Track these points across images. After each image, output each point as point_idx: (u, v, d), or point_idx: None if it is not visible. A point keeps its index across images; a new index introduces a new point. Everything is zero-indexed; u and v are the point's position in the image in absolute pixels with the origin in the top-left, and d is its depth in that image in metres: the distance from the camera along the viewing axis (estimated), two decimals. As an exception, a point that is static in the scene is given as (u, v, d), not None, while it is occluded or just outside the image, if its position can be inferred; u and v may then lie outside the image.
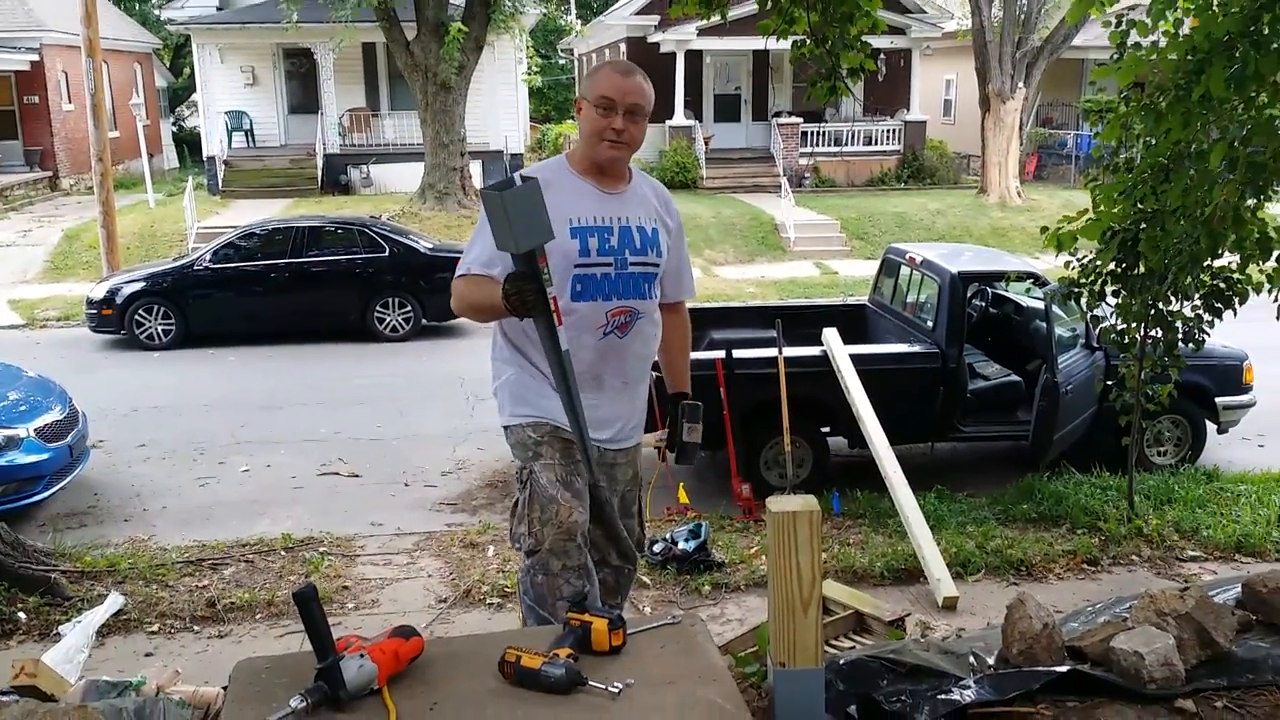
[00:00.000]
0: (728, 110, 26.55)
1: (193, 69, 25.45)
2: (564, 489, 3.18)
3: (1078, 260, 5.95)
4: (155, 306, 12.14)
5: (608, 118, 3.12)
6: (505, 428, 3.35)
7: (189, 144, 32.83)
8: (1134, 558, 5.97)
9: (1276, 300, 5.11)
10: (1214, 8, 4.73)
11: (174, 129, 35.35)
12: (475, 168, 21.61)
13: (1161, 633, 2.78)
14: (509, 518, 3.33)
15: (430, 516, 6.93)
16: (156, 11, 30.64)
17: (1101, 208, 5.55)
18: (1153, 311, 5.91)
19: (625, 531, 3.51)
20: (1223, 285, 5.81)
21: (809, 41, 6.21)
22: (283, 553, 6.06)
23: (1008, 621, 2.87)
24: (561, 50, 36.62)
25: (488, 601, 5.37)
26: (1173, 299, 5.87)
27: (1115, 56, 5.43)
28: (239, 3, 24.35)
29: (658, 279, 3.30)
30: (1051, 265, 8.30)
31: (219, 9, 24.20)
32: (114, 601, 5.27)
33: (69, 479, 7.16)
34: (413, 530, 6.53)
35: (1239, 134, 4.51)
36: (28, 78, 24.20)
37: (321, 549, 6.11)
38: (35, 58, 23.82)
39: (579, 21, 34.02)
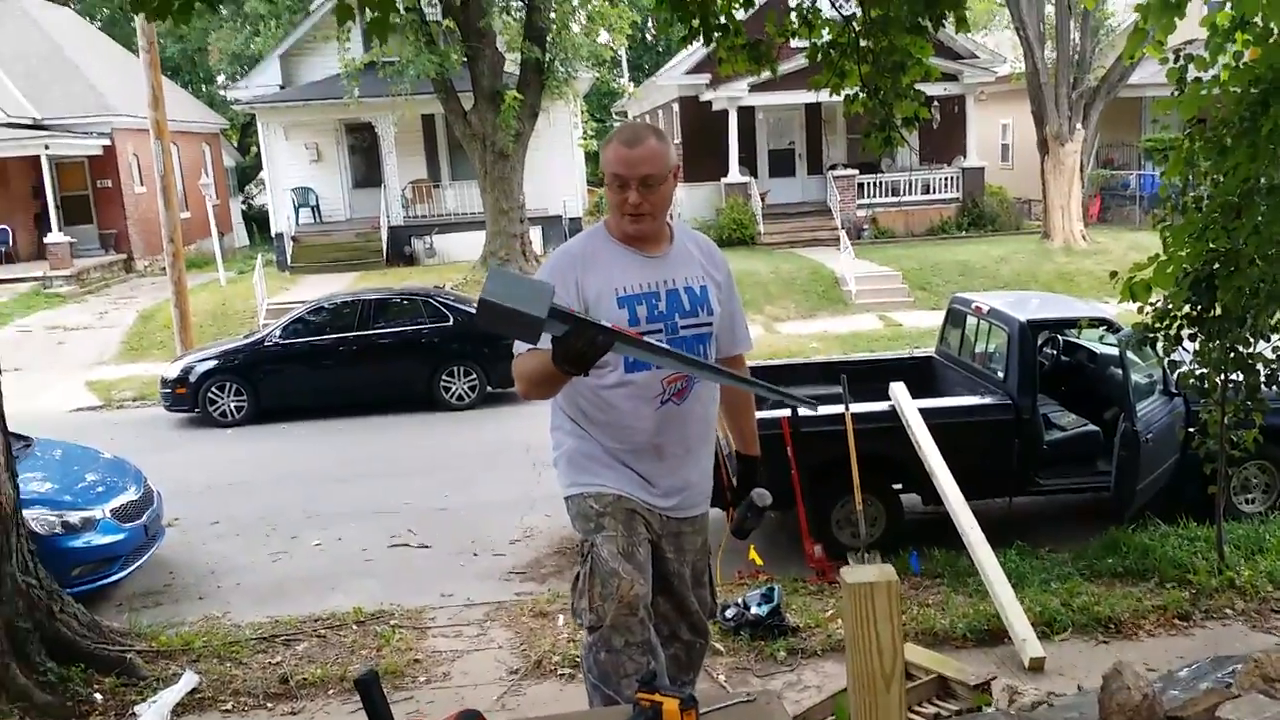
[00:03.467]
0: (782, 165, 26.62)
1: (259, 147, 26.17)
2: (626, 561, 3.11)
3: (1151, 305, 5.79)
4: (228, 384, 12.37)
5: (623, 193, 3.07)
6: (566, 499, 3.30)
7: (258, 221, 33.71)
8: (1227, 611, 5.73)
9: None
10: (1274, 38, 4.63)
11: (243, 207, 36.34)
12: (535, 233, 21.86)
13: (1272, 701, 2.63)
14: (570, 592, 3.27)
15: (500, 586, 6.90)
16: (222, 93, 31.65)
17: (1172, 250, 5.40)
18: (1232, 354, 5.72)
19: (696, 603, 3.43)
20: (1305, 324, 5.62)
21: (862, 95, 6.21)
22: (355, 627, 6.06)
23: (1104, 692, 2.74)
24: (615, 113, 37.12)
25: (559, 672, 5.30)
26: (1252, 340, 5.69)
27: (1175, 93, 5.33)
28: (301, 80, 25.05)
29: (712, 338, 3.24)
30: (1123, 310, 8.12)
31: (282, 87, 24.91)
32: (188, 680, 5.29)
33: (145, 558, 7.26)
34: (483, 600, 6.50)
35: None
36: (100, 162, 25.06)
37: (393, 622, 6.10)
38: (107, 142, 24.66)
39: (631, 84, 34.50)
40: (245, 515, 8.71)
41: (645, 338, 3.05)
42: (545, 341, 2.81)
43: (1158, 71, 22.97)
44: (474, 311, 11.34)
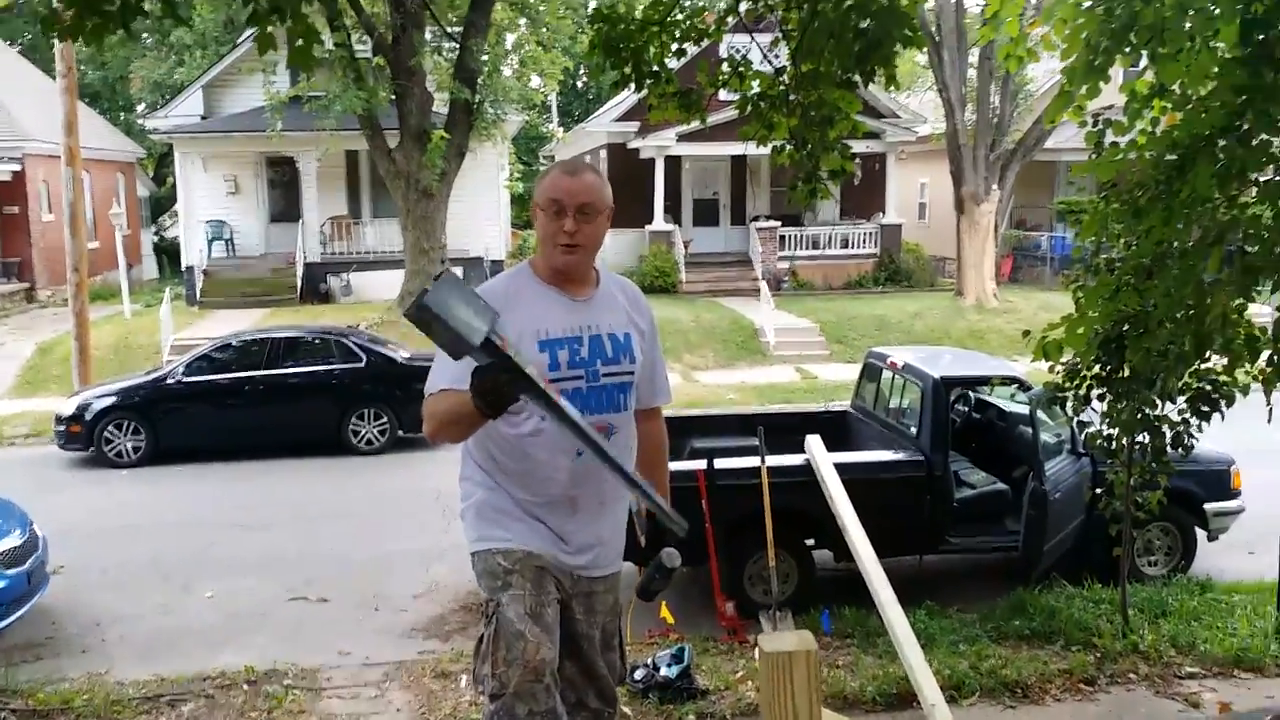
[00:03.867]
0: (706, 215, 26.85)
1: (175, 177, 25.59)
2: (533, 622, 2.95)
3: (1061, 364, 5.84)
4: (125, 422, 11.92)
5: (558, 220, 2.99)
6: (473, 554, 3.13)
7: (170, 254, 32.91)
8: (1132, 675, 5.74)
9: (1269, 404, 4.98)
10: (1194, 103, 4.73)
11: (155, 239, 35.46)
12: (456, 274, 21.62)
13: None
14: (473, 656, 3.09)
15: (401, 643, 6.65)
16: (141, 122, 30.95)
17: (1084, 310, 5.46)
18: (1139, 416, 5.79)
19: (605, 668, 3.27)
20: (1209, 388, 5.71)
21: (789, 146, 6.22)
22: (245, 686, 5.76)
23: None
24: (544, 157, 37.16)
25: (459, 737, 5.09)
26: (1159, 402, 5.76)
27: (1092, 156, 5.42)
28: (224, 111, 24.59)
29: (633, 387, 3.14)
30: (1033, 368, 8.23)
31: (204, 118, 24.42)
32: (63, 744, 4.97)
33: (26, 608, 6.84)
34: (382, 659, 6.24)
35: (1229, 233, 4.44)
36: (8, 188, 24.26)
37: (286, 681, 5.81)
38: (17, 168, 23.92)
39: (561, 129, 34.59)
40: (136, 562, 8.33)
41: (565, 383, 2.96)
42: (459, 383, 2.72)
43: (1073, 136, 23.75)
44: (387, 352, 11.08)
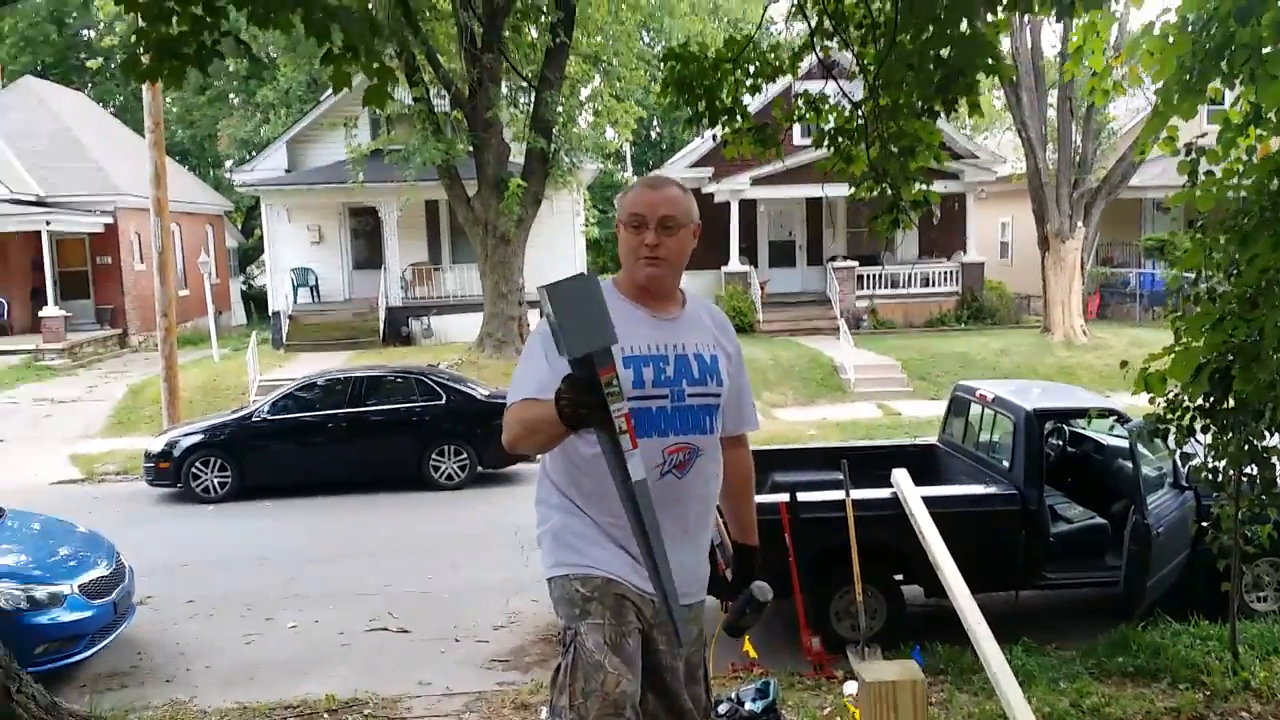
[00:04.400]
0: (782, 255, 26.78)
1: (262, 229, 26.28)
2: (613, 653, 2.82)
3: (1163, 396, 5.61)
4: (212, 459, 12.12)
5: (640, 234, 2.92)
6: (549, 580, 3.01)
7: (257, 301, 33.73)
8: (1244, 714, 5.45)
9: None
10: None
11: (243, 287, 36.40)
12: (533, 316, 21.80)
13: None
14: (549, 686, 2.97)
15: (481, 674, 6.58)
16: (229, 177, 31.93)
17: (1187, 340, 5.24)
18: (1247, 447, 5.52)
19: (690, 702, 3.11)
20: (1320, 418, 5.43)
21: (870, 181, 6.11)
22: (326, 716, 5.74)
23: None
24: (618, 203, 37.44)
25: (540, 769, 4.99)
26: (1268, 434, 5.50)
27: (1187, 185, 5.25)
28: (307, 164, 25.24)
29: (719, 411, 3.01)
30: (1127, 403, 7.96)
31: (288, 171, 25.08)
32: (146, 769, 4.98)
33: (112, 637, 6.95)
34: (462, 689, 6.18)
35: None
36: (102, 239, 25.15)
37: (366, 711, 5.78)
38: (109, 220, 24.79)
39: (635, 177, 34.85)
40: (220, 594, 8.40)
41: (649, 401, 2.88)
42: (544, 392, 2.66)
43: (1158, 175, 23.27)
44: (467, 389, 11.14)
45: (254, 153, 29.32)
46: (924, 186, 6.09)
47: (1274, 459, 5.53)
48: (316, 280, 24.96)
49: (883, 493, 6.96)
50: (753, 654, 6.24)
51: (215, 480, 12.10)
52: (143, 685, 6.64)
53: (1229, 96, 5.45)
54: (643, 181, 3.05)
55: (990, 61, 5.37)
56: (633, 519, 2.58)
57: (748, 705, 5.38)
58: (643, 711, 2.95)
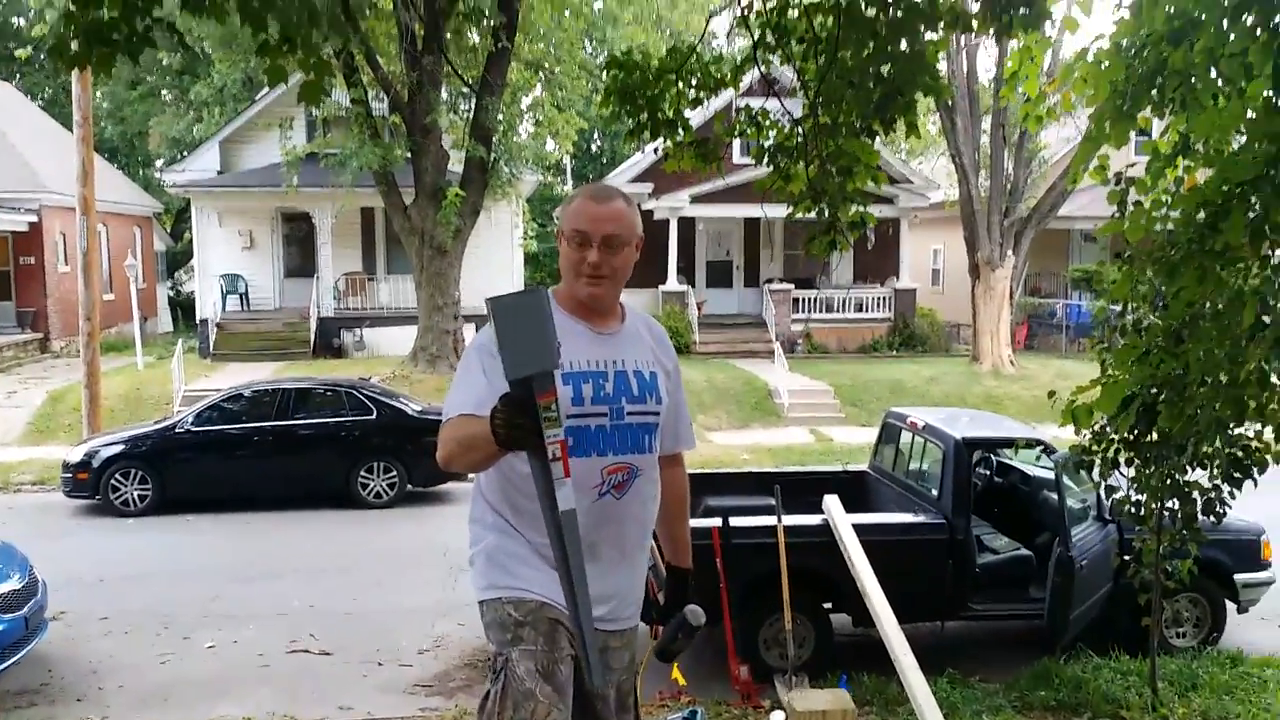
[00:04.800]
0: (720, 276, 26.91)
1: (192, 232, 25.76)
2: (544, 681, 2.75)
3: (1089, 430, 5.69)
4: (132, 471, 11.78)
5: (582, 251, 2.84)
6: (481, 603, 2.92)
7: (185, 308, 33.01)
8: (1163, 750, 5.53)
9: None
10: (1224, 157, 4.65)
11: (171, 293, 35.62)
12: (469, 331, 21.62)
13: None
14: (477, 712, 2.89)
15: (403, 700, 6.46)
16: (159, 176, 31.26)
17: (1114, 373, 5.32)
18: (1169, 481, 5.62)
19: (620, 730, 3.10)
20: (1240, 454, 5.54)
21: (808, 200, 6.14)
22: (242, 740, 5.59)
23: None
24: (557, 217, 37.33)
25: (463, 799, 4.90)
26: (1190, 468, 5.60)
27: (1116, 215, 5.33)
28: (241, 167, 24.82)
29: (657, 430, 2.95)
30: (1053, 435, 8.08)
31: (220, 173, 24.64)
32: (51, 797, 4.79)
33: (22, 653, 6.69)
34: (384, 715, 6.06)
35: (1268, 290, 4.33)
36: (25, 239, 24.38)
37: (284, 736, 5.64)
38: (34, 219, 24.06)
39: (575, 189, 34.75)
40: (137, 611, 8.16)
41: (588, 419, 2.81)
42: (481, 408, 2.58)
43: (1087, 204, 23.75)
44: (399, 405, 11.00)
45: (186, 152, 28.78)
46: (860, 208, 6.14)
47: (1195, 494, 5.64)
48: (246, 287, 24.52)
49: (814, 519, 6.97)
50: (681, 681, 6.21)
51: (135, 493, 11.76)
52: (53, 704, 6.44)
53: (1157, 126, 5.57)
54: (586, 192, 2.94)
55: (929, 80, 5.43)
56: (557, 549, 2.52)
57: (675, 734, 5.34)
58: (572, 740, 2.89)
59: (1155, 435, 5.46)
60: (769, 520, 6.67)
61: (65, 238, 24.76)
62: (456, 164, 20.07)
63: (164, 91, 37.16)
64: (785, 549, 6.52)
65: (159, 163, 36.49)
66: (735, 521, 6.75)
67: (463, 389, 2.80)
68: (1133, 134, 5.15)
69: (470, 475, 3.01)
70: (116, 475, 11.74)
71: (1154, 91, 4.95)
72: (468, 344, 2.95)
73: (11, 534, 8.41)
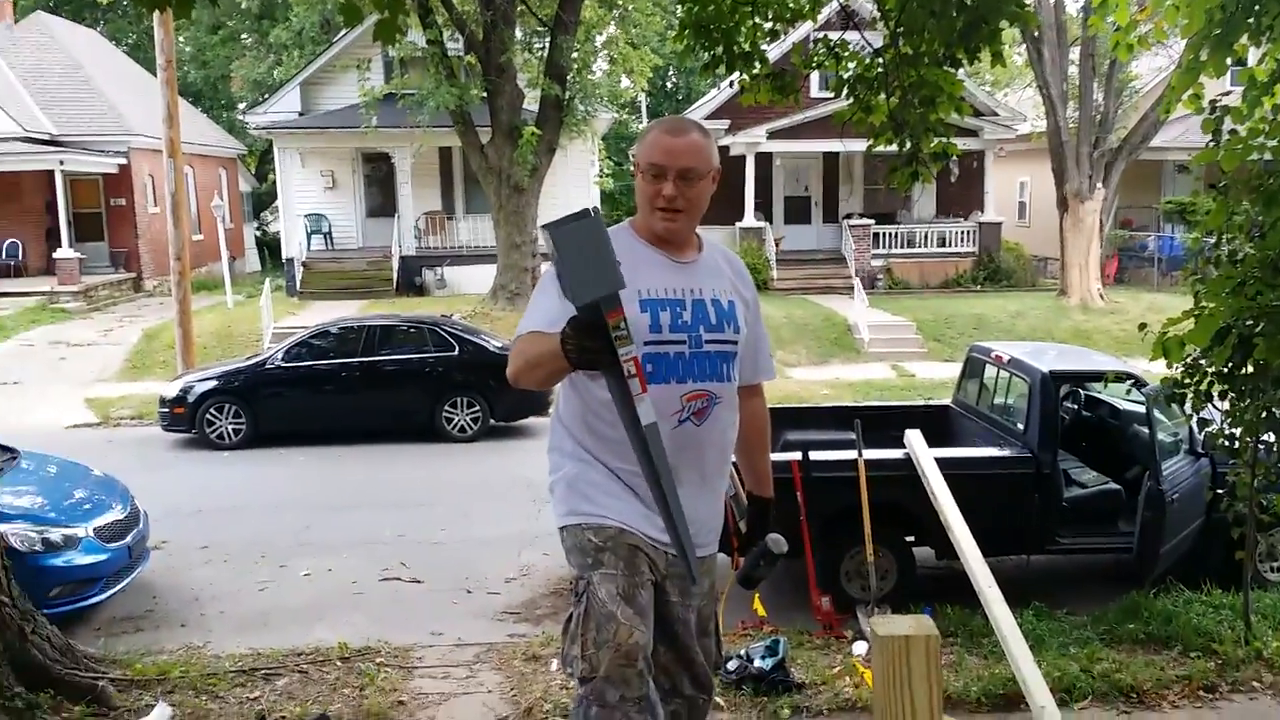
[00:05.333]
0: (798, 212, 26.58)
1: (276, 174, 26.20)
2: (625, 604, 2.80)
3: (1181, 361, 5.55)
4: (226, 405, 12.16)
5: (657, 184, 2.83)
6: (562, 529, 2.99)
7: (271, 247, 33.70)
8: (1255, 684, 5.44)
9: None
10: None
11: (257, 233, 36.34)
12: (546, 268, 21.74)
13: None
14: (561, 636, 2.96)
15: (492, 626, 6.63)
16: (242, 119, 31.75)
17: (1208, 304, 5.17)
18: (1265, 415, 5.47)
19: (701, 654, 3.12)
20: (1342, 385, 5.37)
21: (889, 132, 6.02)
22: (339, 663, 5.77)
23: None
24: (633, 154, 37.14)
25: (550, 721, 5.02)
26: (1286, 401, 5.44)
27: (1211, 144, 5.15)
28: (321, 108, 25.08)
29: (736, 359, 2.96)
30: (1144, 369, 7.90)
31: (301, 114, 24.94)
32: (160, 713, 5.01)
33: (127, 581, 7.00)
34: (474, 640, 6.21)
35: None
36: (115, 181, 25.07)
37: (378, 659, 5.82)
38: (123, 161, 24.70)
39: (651, 128, 34.43)
40: (235, 541, 8.46)
41: (666, 346, 2.82)
42: (553, 326, 2.61)
43: (1179, 135, 22.96)
44: (480, 341, 11.12)
45: (267, 95, 29.15)
46: (944, 139, 6.01)
47: (1292, 428, 5.49)
48: (330, 227, 24.90)
49: (895, 453, 6.93)
50: (762, 612, 6.26)
51: (230, 427, 12.15)
52: (157, 629, 6.70)
53: (1254, 55, 5.35)
54: (662, 125, 2.93)
55: (1014, 8, 5.27)
56: (644, 464, 2.55)
57: (757, 662, 5.40)
58: (654, 662, 2.95)
59: (1251, 368, 5.31)
60: (850, 454, 6.66)
61: (153, 179, 25.39)
62: (532, 103, 20.05)
63: (244, 35, 37.61)
64: (866, 482, 6.51)
65: (241, 105, 37.02)
66: (815, 455, 6.74)
67: (537, 307, 2.85)
68: (1229, 62, 4.97)
69: (550, 409, 3.05)
70: (211, 410, 12.12)
71: (1251, 19, 4.75)
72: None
73: (112, 466, 8.74)
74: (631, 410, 2.47)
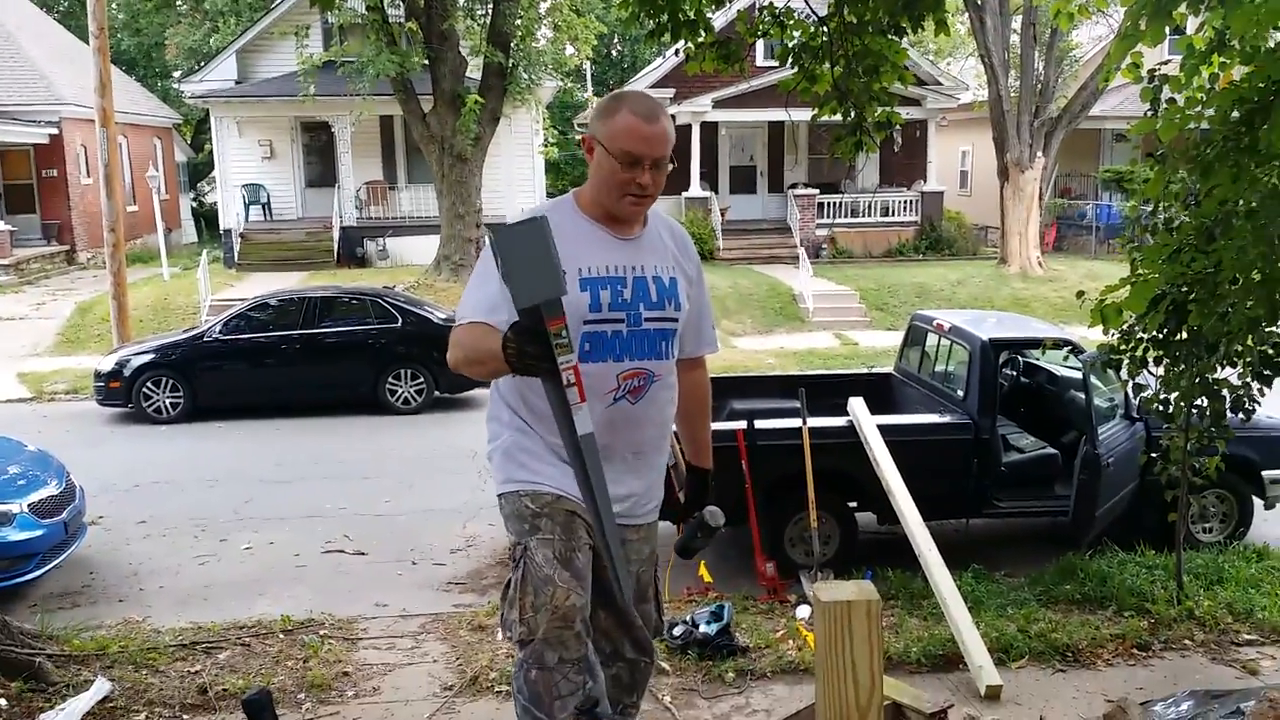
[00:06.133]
0: (744, 182, 26.62)
1: (212, 143, 25.68)
2: (562, 568, 2.81)
3: (1117, 330, 5.65)
4: (163, 379, 11.95)
5: (632, 172, 2.79)
6: (500, 496, 3.00)
7: (208, 219, 33.07)
8: (1187, 642, 5.58)
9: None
10: (1262, 55, 4.52)
11: (193, 204, 35.63)
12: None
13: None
14: (500, 601, 2.97)
15: (437, 597, 6.60)
16: (177, 88, 31.03)
17: (1144, 272, 5.26)
18: (1199, 380, 5.59)
19: (640, 619, 3.15)
20: (1271, 351, 5.50)
21: (833, 101, 6.03)
22: (281, 635, 5.73)
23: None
24: (578, 125, 36.91)
25: (495, 689, 5.02)
26: (1219, 367, 5.56)
27: (1149, 114, 5.22)
28: (257, 76, 24.59)
29: (676, 336, 2.96)
30: (1082, 335, 8.03)
31: (238, 82, 24.43)
32: (100, 688, 4.94)
33: (63, 557, 6.86)
34: (419, 611, 6.19)
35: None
36: (46, 151, 24.42)
37: (322, 631, 5.78)
38: (54, 131, 24.07)
39: (595, 97, 34.30)
40: (173, 515, 8.34)
41: (605, 325, 2.82)
42: (493, 315, 2.62)
43: (1118, 105, 23.26)
44: (423, 312, 11.06)
45: (203, 63, 28.52)
46: (887, 109, 6.03)
47: (1224, 392, 5.61)
48: (268, 197, 24.48)
49: (839, 421, 7.01)
50: (708, 578, 6.31)
51: (167, 400, 11.94)
52: (95, 604, 6.60)
53: (1192, 24, 5.41)
54: (633, 109, 2.83)
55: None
56: (579, 472, 2.56)
57: (702, 628, 5.45)
58: (594, 627, 2.97)
59: (1185, 334, 5.42)
60: (794, 422, 6.71)
61: (86, 150, 24.78)
62: (475, 71, 19.82)
63: (179, 1, 36.68)
64: (810, 450, 6.57)
65: (176, 74, 36.16)
66: (760, 424, 6.78)
67: (477, 293, 2.81)
68: (1168, 30, 5.01)
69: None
70: (148, 384, 11.90)
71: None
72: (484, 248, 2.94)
73: (47, 442, 8.57)
74: (568, 419, 2.48)
